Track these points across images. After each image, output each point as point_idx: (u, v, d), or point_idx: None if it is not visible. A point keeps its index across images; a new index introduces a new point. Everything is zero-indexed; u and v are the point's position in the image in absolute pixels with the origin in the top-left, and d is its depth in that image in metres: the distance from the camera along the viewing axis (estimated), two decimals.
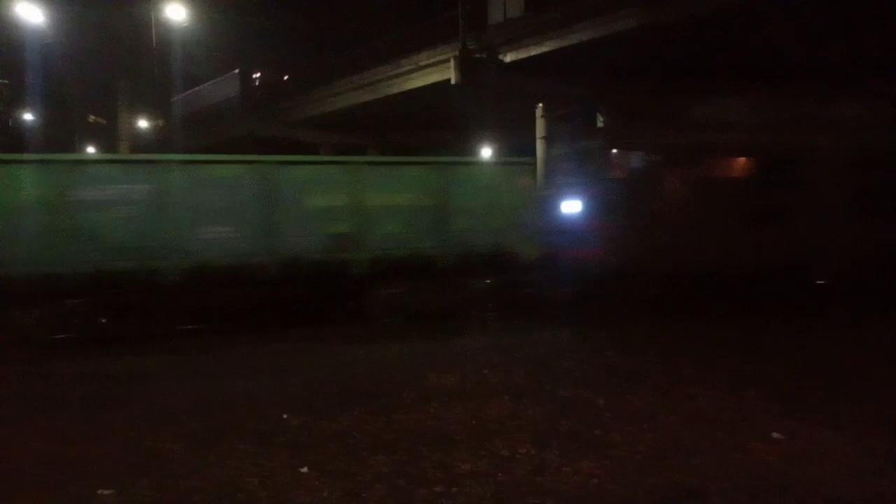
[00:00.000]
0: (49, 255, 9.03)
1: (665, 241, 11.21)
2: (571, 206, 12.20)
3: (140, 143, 32.05)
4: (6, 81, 21.54)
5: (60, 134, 32.21)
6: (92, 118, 36.91)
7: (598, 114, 21.01)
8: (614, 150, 12.39)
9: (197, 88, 35.69)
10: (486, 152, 27.45)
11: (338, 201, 10.61)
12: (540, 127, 22.62)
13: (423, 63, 22.70)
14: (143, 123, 33.97)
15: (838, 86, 15.10)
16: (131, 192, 9.56)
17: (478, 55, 20.46)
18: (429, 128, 28.63)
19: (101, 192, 9.37)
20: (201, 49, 26.35)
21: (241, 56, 32.69)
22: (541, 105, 22.78)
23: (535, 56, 19.56)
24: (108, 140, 33.26)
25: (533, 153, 20.94)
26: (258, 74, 35.12)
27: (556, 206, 12.34)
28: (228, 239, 9.99)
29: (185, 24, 17.96)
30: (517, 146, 23.96)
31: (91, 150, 33.38)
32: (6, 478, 4.55)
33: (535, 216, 11.63)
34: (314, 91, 29.54)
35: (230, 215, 10.03)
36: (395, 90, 24.85)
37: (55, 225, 9.11)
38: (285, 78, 34.51)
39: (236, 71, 33.94)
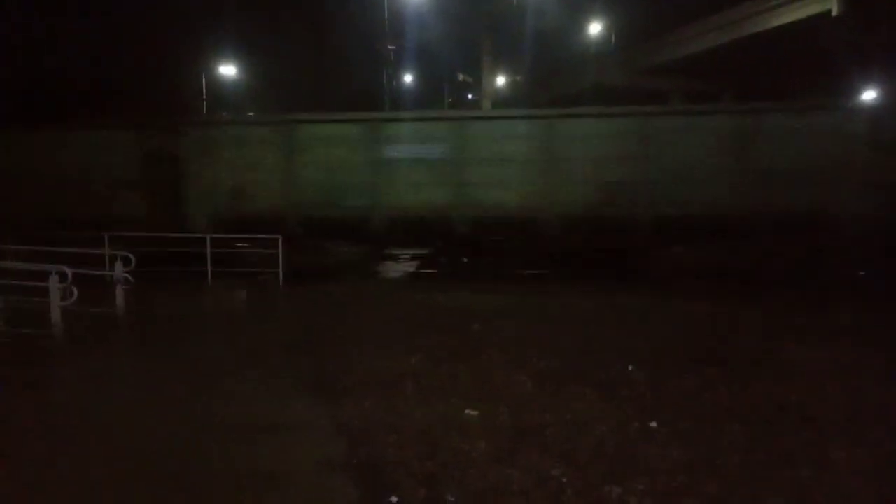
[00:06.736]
0: None
1: None
2: None
3: (499, 98, 34.21)
4: (393, 47, 25.31)
5: (431, 92, 36.58)
6: (461, 77, 41.05)
7: None
8: None
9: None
10: (869, 97, 23.33)
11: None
12: None
13: None
14: (500, 80, 36.36)
15: None
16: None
17: None
18: (792, 71, 25.36)
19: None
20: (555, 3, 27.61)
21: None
22: None
23: None
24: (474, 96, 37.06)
25: None
26: None
27: None
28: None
29: None
30: None
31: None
32: None
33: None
34: (665, 36, 28.92)
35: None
36: (759, 28, 23.60)
37: None
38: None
39: None
